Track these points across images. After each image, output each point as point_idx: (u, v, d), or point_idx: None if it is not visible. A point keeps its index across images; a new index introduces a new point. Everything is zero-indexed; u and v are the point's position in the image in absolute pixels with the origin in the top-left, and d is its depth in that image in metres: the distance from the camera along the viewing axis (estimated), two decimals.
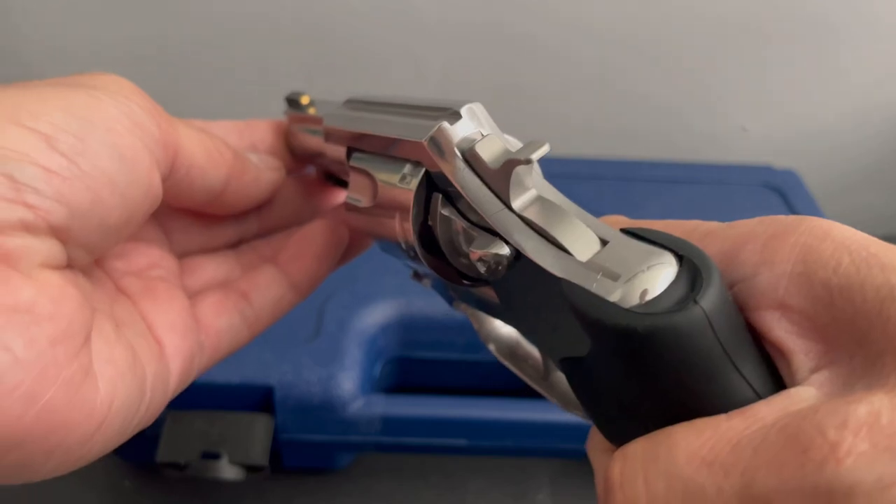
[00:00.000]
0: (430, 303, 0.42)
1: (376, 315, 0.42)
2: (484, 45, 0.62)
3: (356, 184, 0.22)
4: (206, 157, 0.22)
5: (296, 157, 0.27)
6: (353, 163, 0.22)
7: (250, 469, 0.38)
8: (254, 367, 0.38)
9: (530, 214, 0.17)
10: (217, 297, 0.24)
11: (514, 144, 0.19)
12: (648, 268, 0.15)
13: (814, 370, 0.14)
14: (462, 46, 0.62)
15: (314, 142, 0.25)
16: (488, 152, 0.18)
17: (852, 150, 0.68)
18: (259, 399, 0.38)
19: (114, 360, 0.19)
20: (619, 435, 0.16)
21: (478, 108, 0.19)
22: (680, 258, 0.15)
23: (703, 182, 0.56)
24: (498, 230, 0.17)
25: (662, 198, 0.53)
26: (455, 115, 0.18)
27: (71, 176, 0.17)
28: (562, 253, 0.16)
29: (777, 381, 0.15)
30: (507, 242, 0.17)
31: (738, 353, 0.14)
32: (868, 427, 0.12)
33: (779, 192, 0.55)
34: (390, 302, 0.42)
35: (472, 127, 0.19)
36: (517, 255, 0.17)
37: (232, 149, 0.23)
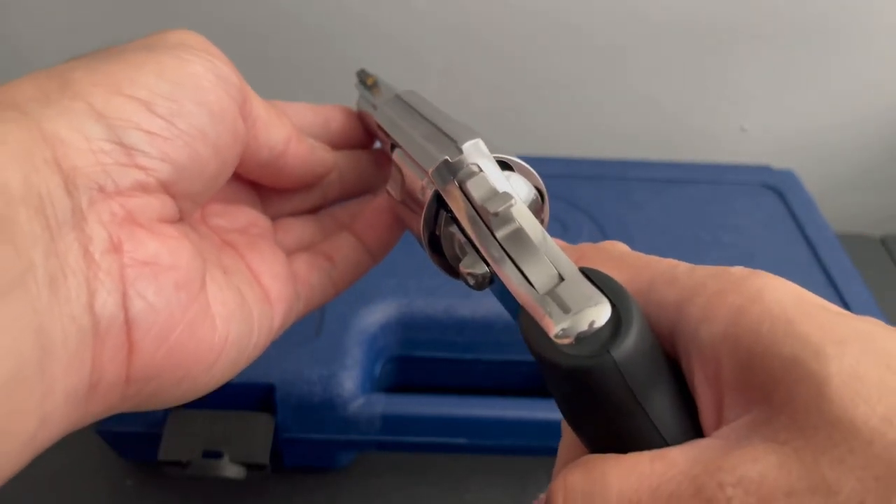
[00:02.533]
0: (430, 302, 0.42)
1: (377, 314, 0.42)
2: (484, 46, 0.63)
3: (393, 175, 0.25)
4: (267, 113, 0.24)
5: (369, 133, 0.30)
6: (393, 156, 0.25)
7: (251, 468, 0.38)
8: (255, 366, 0.38)
9: (507, 244, 0.20)
10: (307, 257, 0.26)
11: (517, 165, 0.22)
12: (587, 308, 0.17)
13: (730, 421, 0.17)
14: (462, 46, 0.63)
15: (374, 124, 0.28)
16: (478, 190, 0.21)
17: (851, 150, 0.68)
18: (260, 398, 0.38)
19: (226, 302, 0.21)
20: (576, 430, 0.19)
21: (477, 144, 0.22)
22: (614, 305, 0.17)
23: (701, 182, 0.56)
24: (481, 253, 0.20)
25: (662, 198, 0.54)
26: (457, 151, 0.22)
27: (171, 136, 0.19)
28: (526, 282, 0.19)
29: (689, 426, 0.17)
30: (487, 264, 0.20)
31: (649, 398, 0.17)
32: (756, 485, 0.14)
33: (777, 192, 0.55)
34: (391, 301, 0.42)
35: (472, 160, 0.22)
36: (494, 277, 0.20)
37: (289, 118, 0.25)
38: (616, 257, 0.20)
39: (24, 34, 0.62)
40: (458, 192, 0.21)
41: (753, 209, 0.53)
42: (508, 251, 0.20)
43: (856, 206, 0.71)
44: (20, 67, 0.64)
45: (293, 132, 0.25)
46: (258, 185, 0.27)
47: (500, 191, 0.20)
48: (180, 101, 0.20)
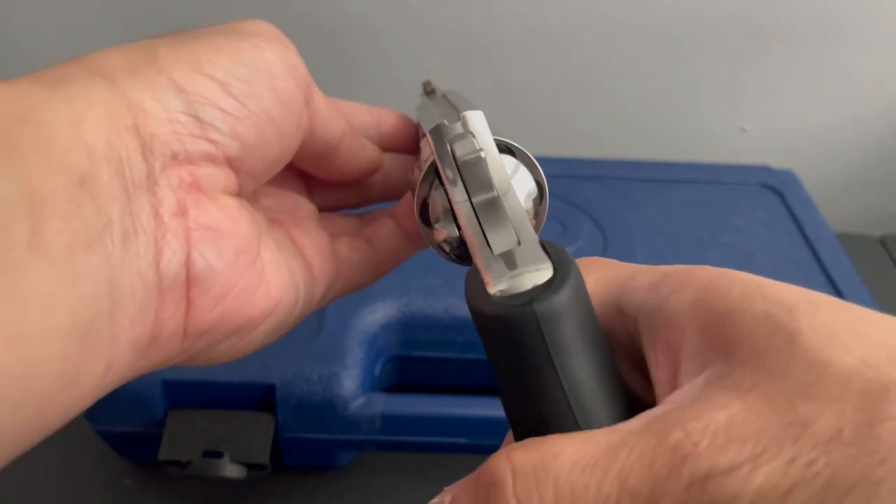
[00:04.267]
0: (430, 302, 0.42)
1: (377, 314, 0.42)
2: (484, 46, 0.63)
3: (418, 160, 0.26)
4: (327, 108, 0.25)
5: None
6: (420, 144, 0.26)
7: (252, 467, 0.38)
8: (255, 366, 0.38)
9: (480, 209, 0.20)
10: (349, 240, 0.28)
11: (522, 154, 0.23)
12: (533, 271, 0.18)
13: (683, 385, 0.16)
14: (462, 46, 0.63)
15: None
16: (461, 150, 0.21)
17: (851, 150, 0.68)
18: (260, 398, 0.39)
19: (278, 269, 0.23)
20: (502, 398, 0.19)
21: (478, 114, 0.22)
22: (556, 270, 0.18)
23: (701, 182, 0.56)
24: (456, 217, 0.21)
25: (662, 198, 0.54)
26: (456, 118, 0.22)
27: (242, 116, 0.21)
28: (485, 243, 0.20)
29: (615, 409, 0.17)
30: (459, 228, 0.21)
31: (565, 359, 0.17)
32: (724, 427, 0.14)
33: (777, 192, 0.55)
34: (391, 301, 0.42)
35: (468, 128, 0.22)
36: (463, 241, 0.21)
37: (345, 117, 0.26)
38: (608, 260, 0.21)
39: (25, 33, 0.62)
40: (448, 156, 0.22)
41: (753, 209, 0.53)
42: (478, 214, 0.20)
43: (855, 206, 0.71)
44: (21, 67, 0.64)
45: (348, 129, 0.26)
46: (307, 176, 0.28)
47: (479, 147, 0.21)
48: (254, 84, 0.21)
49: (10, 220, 0.15)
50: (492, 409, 0.39)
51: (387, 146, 0.30)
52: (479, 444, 0.40)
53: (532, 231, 0.20)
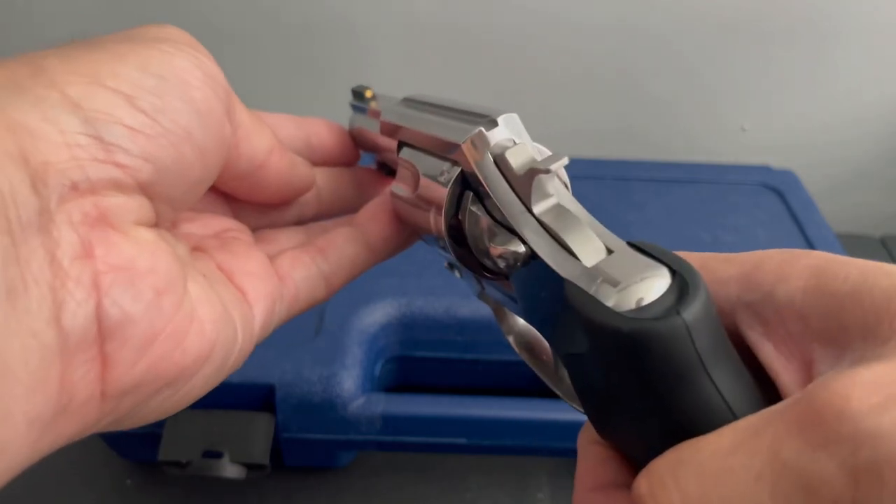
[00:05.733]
0: (430, 302, 0.42)
1: (377, 314, 0.42)
2: (483, 46, 0.63)
3: (402, 175, 0.24)
4: (251, 122, 0.22)
5: (358, 147, 0.29)
6: (401, 156, 0.24)
7: (251, 467, 0.38)
8: (255, 366, 0.38)
9: (547, 219, 0.19)
10: (294, 253, 0.24)
11: (543, 153, 0.21)
12: (643, 279, 0.16)
13: (823, 372, 0.15)
14: (462, 47, 0.63)
15: (372, 134, 0.27)
16: (516, 159, 0.20)
17: (850, 150, 0.68)
18: (260, 398, 0.39)
19: (210, 304, 0.19)
20: (610, 429, 0.18)
21: (513, 118, 0.21)
22: (674, 273, 0.16)
23: (701, 182, 0.56)
24: (517, 230, 0.19)
25: (662, 198, 0.54)
26: (492, 123, 0.21)
27: (154, 133, 0.18)
28: (570, 257, 0.18)
29: (758, 399, 0.16)
30: (523, 242, 0.19)
31: (714, 365, 0.16)
32: (874, 384, 0.13)
33: (777, 192, 0.55)
34: (390, 301, 0.42)
35: (506, 134, 0.21)
36: (532, 255, 0.19)
37: (272, 131, 0.24)
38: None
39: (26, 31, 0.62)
40: (491, 166, 0.20)
41: (753, 209, 0.53)
42: (549, 225, 0.19)
43: (856, 206, 0.71)
44: None
45: (276, 144, 0.23)
46: (230, 198, 0.25)
47: (534, 156, 0.19)
48: (165, 96, 0.18)
49: None
50: (491, 409, 0.39)
51: (319, 160, 0.27)
52: (479, 445, 0.40)
53: (615, 236, 0.18)
